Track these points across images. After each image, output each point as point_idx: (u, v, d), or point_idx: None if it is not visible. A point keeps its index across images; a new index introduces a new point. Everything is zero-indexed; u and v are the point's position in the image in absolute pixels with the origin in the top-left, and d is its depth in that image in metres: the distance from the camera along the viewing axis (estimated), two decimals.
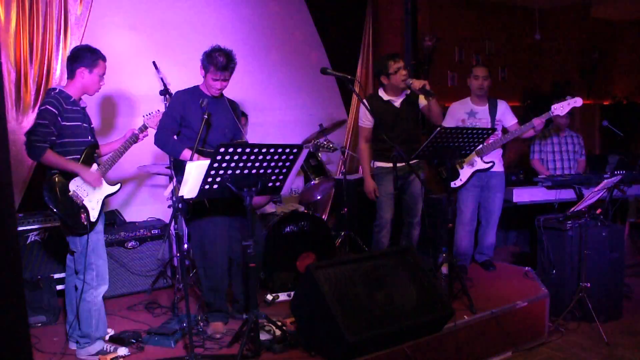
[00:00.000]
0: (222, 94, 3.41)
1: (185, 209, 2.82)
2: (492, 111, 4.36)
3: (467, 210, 4.39)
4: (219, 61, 3.19)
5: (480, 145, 4.03)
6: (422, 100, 3.97)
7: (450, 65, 6.87)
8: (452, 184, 4.30)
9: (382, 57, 4.04)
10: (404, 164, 3.78)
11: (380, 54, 6.01)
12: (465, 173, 4.31)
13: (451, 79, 6.88)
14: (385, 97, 4.01)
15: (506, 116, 4.39)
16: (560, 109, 4.16)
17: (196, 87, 3.41)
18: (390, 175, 3.96)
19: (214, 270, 3.32)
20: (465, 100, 4.45)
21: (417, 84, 3.78)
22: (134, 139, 3.23)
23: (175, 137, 3.32)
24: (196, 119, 3.26)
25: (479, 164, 4.30)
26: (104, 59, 3.09)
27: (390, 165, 3.87)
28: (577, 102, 4.15)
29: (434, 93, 3.81)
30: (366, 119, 4.05)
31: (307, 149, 3.56)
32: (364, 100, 3.80)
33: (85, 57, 3.02)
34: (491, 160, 4.30)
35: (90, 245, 3.02)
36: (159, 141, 3.31)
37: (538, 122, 4.15)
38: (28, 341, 2.62)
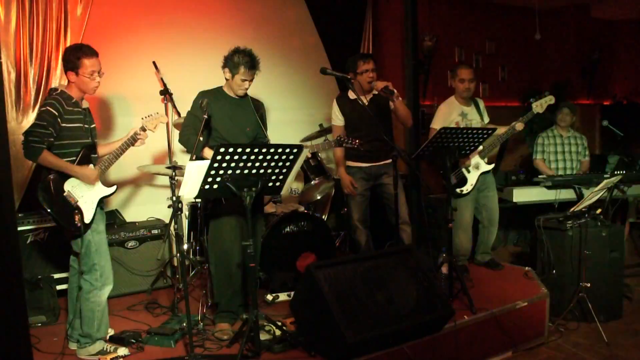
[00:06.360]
0: (246, 94, 3.44)
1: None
2: (478, 110, 4.37)
3: (467, 213, 4.36)
4: (248, 61, 3.24)
5: (481, 147, 4.04)
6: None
7: (450, 65, 6.84)
8: (465, 190, 4.27)
9: (354, 56, 4.09)
10: (373, 163, 4.02)
11: (380, 54, 6.02)
12: (473, 177, 4.29)
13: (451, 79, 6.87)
14: (353, 95, 3.98)
15: (484, 115, 4.41)
16: (540, 106, 4.23)
17: (219, 88, 3.43)
18: (358, 175, 4.08)
19: (229, 266, 3.33)
20: (451, 101, 4.38)
21: (379, 84, 3.80)
22: (132, 140, 3.14)
23: (200, 137, 3.28)
24: (219, 120, 3.32)
25: (483, 166, 4.30)
26: (89, 55, 2.95)
27: (359, 164, 4.04)
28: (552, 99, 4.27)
29: (396, 93, 3.79)
30: (337, 118, 4.14)
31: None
32: (335, 100, 3.99)
33: (68, 60, 2.96)
34: (492, 162, 4.30)
35: (94, 246, 3.03)
36: (181, 139, 3.37)
37: (520, 126, 4.21)
38: (28, 341, 2.62)
